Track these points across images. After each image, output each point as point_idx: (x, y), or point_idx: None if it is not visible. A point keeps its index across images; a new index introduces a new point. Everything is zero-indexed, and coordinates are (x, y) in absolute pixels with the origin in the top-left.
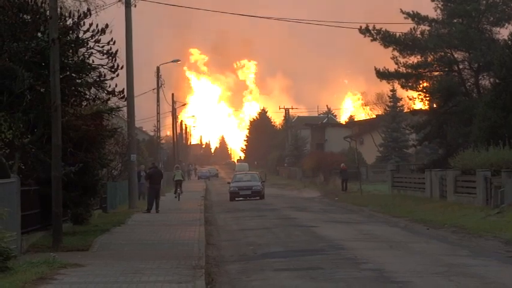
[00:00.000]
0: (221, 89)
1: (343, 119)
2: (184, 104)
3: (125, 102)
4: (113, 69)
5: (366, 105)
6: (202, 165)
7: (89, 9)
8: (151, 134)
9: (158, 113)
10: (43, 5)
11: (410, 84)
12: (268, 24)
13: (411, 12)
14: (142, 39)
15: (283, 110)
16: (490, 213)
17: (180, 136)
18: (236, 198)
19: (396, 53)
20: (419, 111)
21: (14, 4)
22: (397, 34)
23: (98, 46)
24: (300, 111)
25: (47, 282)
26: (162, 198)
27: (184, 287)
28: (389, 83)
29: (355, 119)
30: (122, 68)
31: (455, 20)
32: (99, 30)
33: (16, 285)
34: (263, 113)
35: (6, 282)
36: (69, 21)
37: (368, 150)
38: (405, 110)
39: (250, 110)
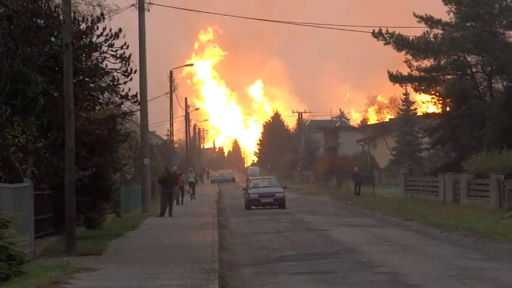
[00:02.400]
0: (233, 91)
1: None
2: (197, 109)
3: (138, 107)
4: (126, 74)
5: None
6: (216, 169)
7: (102, 14)
8: (165, 138)
9: (171, 117)
10: (56, 9)
11: (423, 87)
12: (276, 27)
13: (424, 16)
14: (156, 42)
15: (297, 114)
16: (503, 217)
17: (193, 140)
18: (253, 207)
19: (409, 57)
20: (433, 115)
21: (28, 9)
22: (410, 38)
23: (112, 50)
24: (313, 114)
25: (61, 286)
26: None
27: None
28: (402, 87)
29: (368, 123)
30: (135, 72)
31: (468, 24)
32: (113, 34)
33: None
34: (276, 117)
35: (20, 287)
36: (83, 26)
37: (381, 154)
38: (418, 114)
39: (263, 114)
